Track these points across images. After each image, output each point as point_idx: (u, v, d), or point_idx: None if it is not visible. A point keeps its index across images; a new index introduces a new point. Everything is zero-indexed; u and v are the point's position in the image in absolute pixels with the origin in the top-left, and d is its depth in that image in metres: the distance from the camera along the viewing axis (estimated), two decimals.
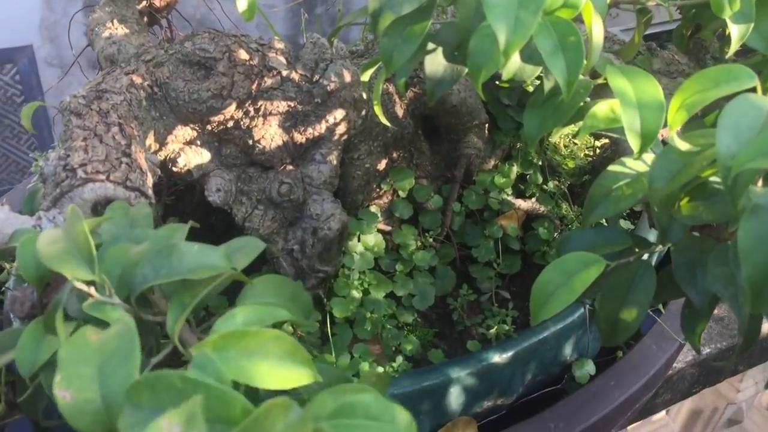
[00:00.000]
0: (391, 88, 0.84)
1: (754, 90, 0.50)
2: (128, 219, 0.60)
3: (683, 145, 0.51)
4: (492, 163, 0.97)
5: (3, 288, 0.79)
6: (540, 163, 0.98)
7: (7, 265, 0.78)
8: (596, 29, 0.54)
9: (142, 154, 0.70)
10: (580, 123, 0.59)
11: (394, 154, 0.88)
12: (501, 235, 0.92)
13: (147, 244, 0.48)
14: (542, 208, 0.95)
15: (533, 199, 0.96)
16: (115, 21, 0.80)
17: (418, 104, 0.87)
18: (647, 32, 1.74)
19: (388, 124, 0.67)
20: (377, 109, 0.66)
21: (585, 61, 0.53)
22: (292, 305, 0.51)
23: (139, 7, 0.82)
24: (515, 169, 0.96)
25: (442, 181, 0.95)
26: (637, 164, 0.60)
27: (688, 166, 0.51)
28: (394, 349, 0.84)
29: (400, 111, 0.84)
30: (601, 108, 0.58)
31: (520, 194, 0.98)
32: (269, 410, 0.29)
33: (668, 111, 0.52)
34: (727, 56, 0.57)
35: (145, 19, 0.84)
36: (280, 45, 0.77)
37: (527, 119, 0.60)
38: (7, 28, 2.11)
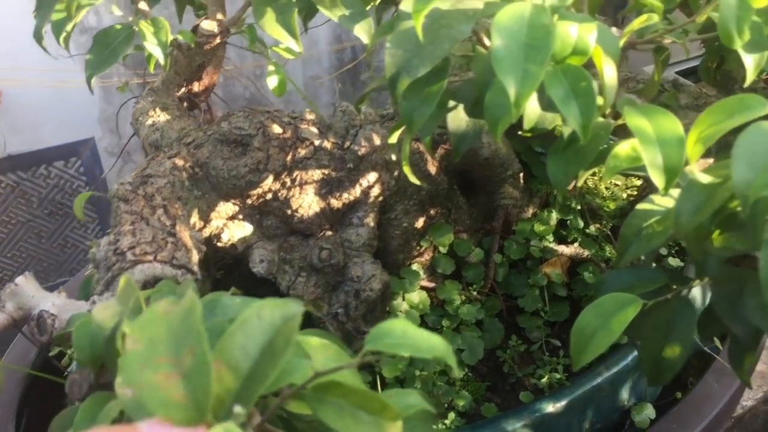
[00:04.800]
0: (423, 147, 0.86)
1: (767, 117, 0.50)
2: (176, 296, 0.63)
3: (704, 178, 0.52)
4: (530, 211, 0.98)
5: (66, 373, 0.82)
6: (579, 207, 0.98)
7: (69, 351, 0.82)
8: (608, 72, 0.55)
9: (186, 233, 0.73)
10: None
11: (432, 211, 0.90)
12: (546, 283, 0.92)
13: None
14: (586, 252, 0.95)
15: (576, 244, 0.96)
16: (157, 109, 0.85)
17: (451, 160, 0.89)
18: (679, 69, 1.72)
19: (418, 182, 0.69)
20: (406, 170, 0.68)
21: (599, 104, 0.54)
22: None
23: (179, 94, 0.87)
24: (555, 216, 0.96)
25: (482, 234, 0.96)
26: (665, 200, 0.60)
27: (712, 198, 0.51)
28: (446, 405, 0.84)
29: (432, 168, 0.86)
30: (623, 148, 0.58)
31: (562, 240, 0.98)
32: None
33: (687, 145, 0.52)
34: (745, 86, 0.57)
35: (185, 104, 0.89)
36: (311, 116, 0.81)
37: (551, 166, 0.61)
38: (70, 122, 2.23)
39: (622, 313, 0.55)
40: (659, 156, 0.54)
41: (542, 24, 0.48)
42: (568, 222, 0.98)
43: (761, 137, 0.45)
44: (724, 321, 0.56)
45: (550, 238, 0.95)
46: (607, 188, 1.10)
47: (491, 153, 0.89)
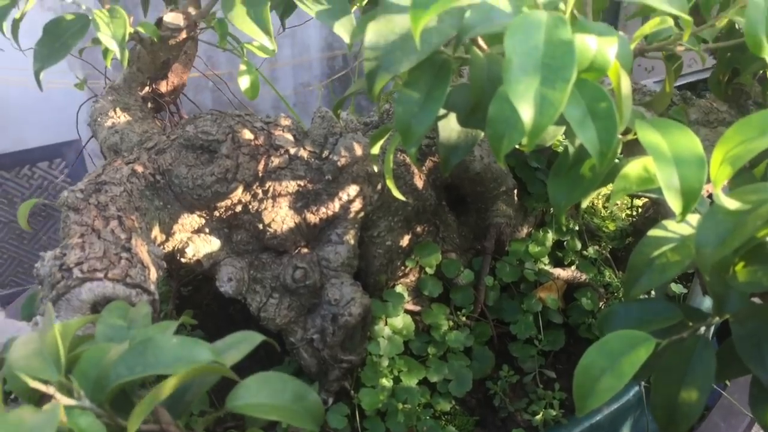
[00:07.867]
0: (408, 159, 0.79)
1: None
2: (126, 320, 0.56)
3: (732, 204, 0.45)
4: (525, 231, 0.91)
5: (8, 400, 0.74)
6: (577, 227, 0.91)
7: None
8: (624, 86, 0.48)
9: (144, 248, 0.66)
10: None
11: (418, 229, 0.83)
12: (540, 309, 0.85)
13: (127, 342, 0.44)
14: (583, 276, 0.88)
15: (573, 267, 0.89)
16: (117, 109, 0.77)
17: (440, 174, 0.82)
18: (684, 81, 1.66)
19: (402, 198, 0.61)
20: (390, 183, 0.61)
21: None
22: (295, 408, 0.44)
23: (142, 93, 0.80)
24: (550, 236, 0.89)
25: (472, 254, 0.89)
26: (680, 227, 0.53)
27: (740, 227, 0.44)
28: None
29: (419, 182, 0.79)
30: (634, 168, 0.51)
31: (558, 263, 0.91)
32: None
33: (710, 165, 0.45)
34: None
35: (149, 105, 0.81)
36: (286, 122, 0.73)
37: (552, 189, 0.54)
38: (55, 123, 2.17)
39: (633, 354, 0.48)
40: (676, 177, 0.46)
41: (561, 40, 0.40)
42: (565, 243, 0.91)
43: None
44: (747, 363, 0.50)
45: (546, 260, 0.88)
46: (605, 207, 1.03)
47: (483, 167, 0.82)
